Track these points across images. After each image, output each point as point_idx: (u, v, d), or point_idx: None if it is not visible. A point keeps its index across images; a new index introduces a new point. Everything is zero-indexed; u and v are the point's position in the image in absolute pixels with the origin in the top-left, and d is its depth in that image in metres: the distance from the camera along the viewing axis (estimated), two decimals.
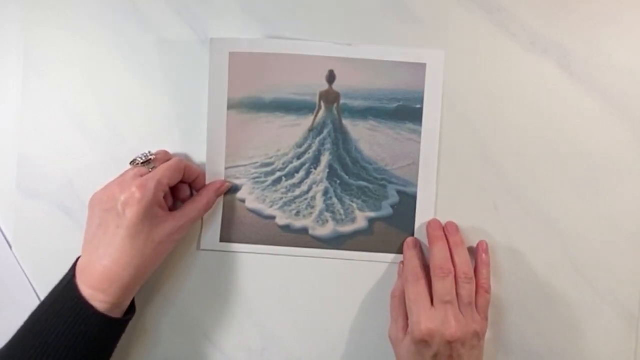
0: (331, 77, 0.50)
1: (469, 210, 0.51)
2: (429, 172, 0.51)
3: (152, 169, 0.47)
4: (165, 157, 0.50)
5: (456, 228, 0.50)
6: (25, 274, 0.53)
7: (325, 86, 0.50)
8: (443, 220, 0.51)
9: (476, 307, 0.47)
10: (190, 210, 0.48)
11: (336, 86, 0.50)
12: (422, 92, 0.50)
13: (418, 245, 0.50)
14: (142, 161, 0.48)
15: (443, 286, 0.45)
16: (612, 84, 0.50)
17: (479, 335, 0.45)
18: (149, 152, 0.49)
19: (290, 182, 0.52)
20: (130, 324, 0.48)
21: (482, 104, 0.50)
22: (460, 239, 0.49)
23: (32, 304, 0.45)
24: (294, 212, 0.51)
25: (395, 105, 0.50)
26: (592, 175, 0.50)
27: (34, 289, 0.53)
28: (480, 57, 0.50)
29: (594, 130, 0.50)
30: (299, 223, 0.51)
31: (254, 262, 0.52)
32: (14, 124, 0.53)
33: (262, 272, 0.52)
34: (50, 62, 0.53)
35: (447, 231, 0.49)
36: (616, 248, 0.50)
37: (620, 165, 0.50)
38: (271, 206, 0.52)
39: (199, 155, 0.52)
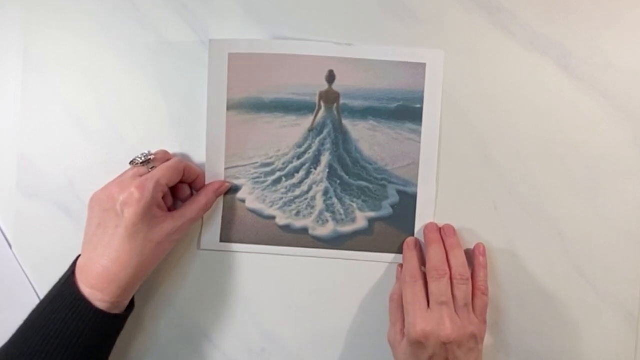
0: (331, 77, 0.50)
1: (468, 210, 0.51)
2: (428, 172, 0.51)
3: (151, 168, 0.47)
4: (164, 156, 0.50)
5: (453, 230, 0.50)
6: (25, 274, 0.53)
7: (325, 86, 0.50)
8: (442, 220, 0.51)
9: (473, 310, 0.47)
10: (189, 210, 0.48)
11: (336, 86, 0.50)
12: (422, 92, 0.50)
13: (418, 246, 0.50)
14: (141, 161, 0.48)
15: (438, 287, 0.45)
16: (612, 84, 0.50)
17: (476, 338, 0.45)
18: (149, 152, 0.49)
19: (290, 182, 0.52)
20: (130, 323, 0.48)
21: (482, 103, 0.50)
22: (456, 241, 0.49)
23: (32, 304, 0.45)
24: (294, 212, 0.51)
25: (395, 105, 0.50)
26: (592, 175, 0.50)
27: (34, 289, 0.53)
28: (480, 57, 0.50)
29: (594, 130, 0.50)
30: (299, 223, 0.51)
31: (254, 262, 0.52)
32: (14, 124, 0.53)
33: (262, 272, 0.52)
34: (50, 62, 0.53)
35: (443, 233, 0.49)
36: (616, 248, 0.50)
37: (620, 165, 0.50)
38: (271, 206, 0.52)
39: (199, 155, 0.52)
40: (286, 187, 0.52)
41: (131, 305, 0.47)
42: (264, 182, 0.52)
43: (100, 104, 0.52)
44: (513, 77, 0.50)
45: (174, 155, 0.51)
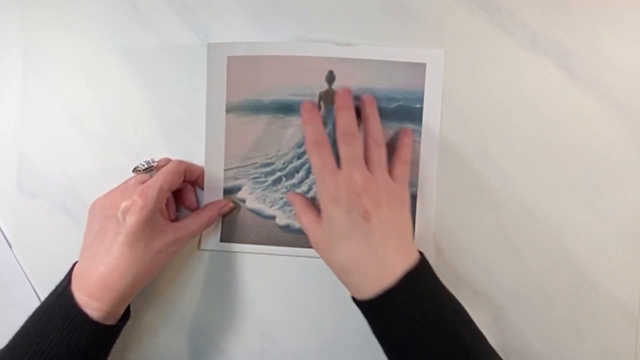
0: (331, 78, 0.50)
1: (468, 210, 0.51)
2: (429, 172, 0.51)
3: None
4: (167, 164, 0.49)
5: (372, 100, 0.48)
6: (25, 274, 0.53)
7: (324, 86, 0.50)
8: (443, 220, 0.51)
9: (393, 178, 0.45)
10: (191, 223, 0.48)
11: (336, 86, 0.50)
12: (422, 92, 0.50)
13: (316, 109, 0.48)
14: (143, 168, 0.48)
15: (347, 148, 0.44)
16: (612, 84, 0.50)
17: (398, 199, 0.44)
18: (152, 159, 0.49)
19: (290, 182, 0.52)
20: (130, 324, 0.48)
21: (482, 103, 0.50)
22: (375, 111, 0.48)
23: (32, 304, 0.45)
24: (294, 212, 0.51)
25: (395, 105, 0.50)
26: (592, 175, 0.50)
27: (34, 289, 0.53)
28: (480, 57, 0.50)
29: (594, 130, 0.50)
30: (298, 223, 0.51)
31: (254, 262, 0.52)
32: (14, 124, 0.53)
33: (262, 272, 0.52)
34: (50, 62, 0.53)
35: (362, 103, 0.48)
36: (616, 248, 0.50)
37: (620, 165, 0.50)
38: (271, 206, 0.52)
39: (199, 156, 0.52)
40: (286, 187, 0.52)
41: (126, 314, 0.47)
42: (264, 182, 0.52)
43: (100, 104, 0.52)
44: (513, 77, 0.50)
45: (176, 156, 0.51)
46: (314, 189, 0.51)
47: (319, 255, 0.49)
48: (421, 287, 0.42)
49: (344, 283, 0.44)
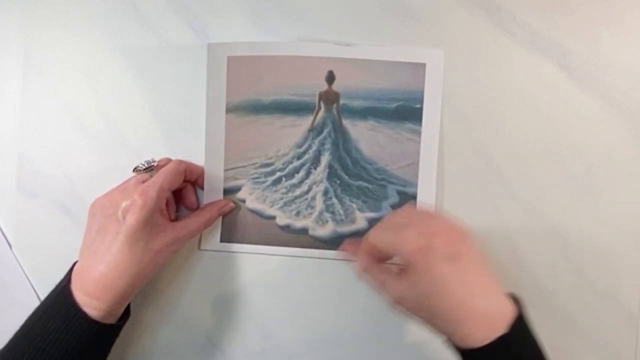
0: (330, 78, 0.50)
1: (468, 211, 0.51)
2: (428, 172, 0.51)
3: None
4: (167, 163, 0.49)
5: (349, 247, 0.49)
6: (25, 274, 0.53)
7: (324, 86, 0.50)
8: None
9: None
10: (191, 223, 0.48)
11: (336, 86, 0.50)
12: (422, 92, 0.50)
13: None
14: (144, 168, 0.48)
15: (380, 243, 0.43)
16: (612, 84, 0.50)
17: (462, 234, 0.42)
18: (152, 159, 0.49)
19: (290, 182, 0.52)
20: (130, 324, 0.48)
21: (482, 103, 0.50)
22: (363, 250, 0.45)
23: (32, 304, 0.45)
24: (294, 212, 0.51)
25: (394, 105, 0.50)
26: (592, 175, 0.50)
27: (34, 289, 0.53)
28: (480, 57, 0.50)
29: (594, 130, 0.50)
30: (299, 223, 0.51)
31: (254, 262, 0.52)
32: (14, 124, 0.53)
33: (262, 272, 0.52)
34: (50, 62, 0.53)
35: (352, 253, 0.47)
36: (616, 248, 0.50)
37: (620, 165, 0.50)
38: (271, 206, 0.52)
39: (199, 156, 0.52)
40: (286, 187, 0.52)
41: (126, 314, 0.47)
42: (264, 182, 0.52)
43: (100, 104, 0.53)
44: (513, 77, 0.50)
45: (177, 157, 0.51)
46: (314, 188, 0.51)
47: (317, 256, 0.47)
48: (528, 330, 0.40)
49: (450, 333, 0.40)
